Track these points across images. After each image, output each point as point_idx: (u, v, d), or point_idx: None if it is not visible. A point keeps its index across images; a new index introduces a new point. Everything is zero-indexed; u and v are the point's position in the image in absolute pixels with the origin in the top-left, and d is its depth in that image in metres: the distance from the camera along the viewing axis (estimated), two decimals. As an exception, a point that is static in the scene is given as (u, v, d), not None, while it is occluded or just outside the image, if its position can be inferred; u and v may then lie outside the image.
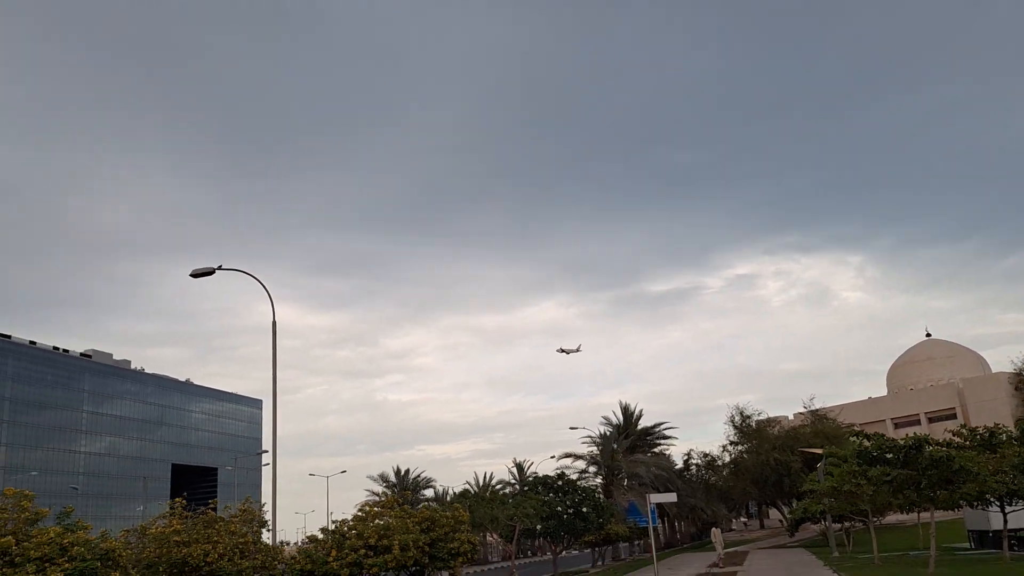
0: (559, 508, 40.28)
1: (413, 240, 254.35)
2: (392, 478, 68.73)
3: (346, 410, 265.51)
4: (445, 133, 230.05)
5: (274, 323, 24.64)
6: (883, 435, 23.05)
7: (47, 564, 11.31)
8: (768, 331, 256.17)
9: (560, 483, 42.32)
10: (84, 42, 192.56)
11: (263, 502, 17.84)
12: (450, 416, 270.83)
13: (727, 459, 70.53)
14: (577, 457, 60.17)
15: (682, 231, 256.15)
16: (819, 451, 38.64)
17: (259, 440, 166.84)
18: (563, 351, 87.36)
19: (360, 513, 23.75)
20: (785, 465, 59.72)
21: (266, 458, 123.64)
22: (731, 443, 70.05)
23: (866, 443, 22.79)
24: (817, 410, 70.99)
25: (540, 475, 43.00)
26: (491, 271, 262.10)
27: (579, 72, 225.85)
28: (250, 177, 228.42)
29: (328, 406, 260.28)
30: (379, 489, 67.65)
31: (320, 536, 23.04)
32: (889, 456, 22.03)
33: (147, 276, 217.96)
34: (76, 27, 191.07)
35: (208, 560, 15.00)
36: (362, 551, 21.50)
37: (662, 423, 65.50)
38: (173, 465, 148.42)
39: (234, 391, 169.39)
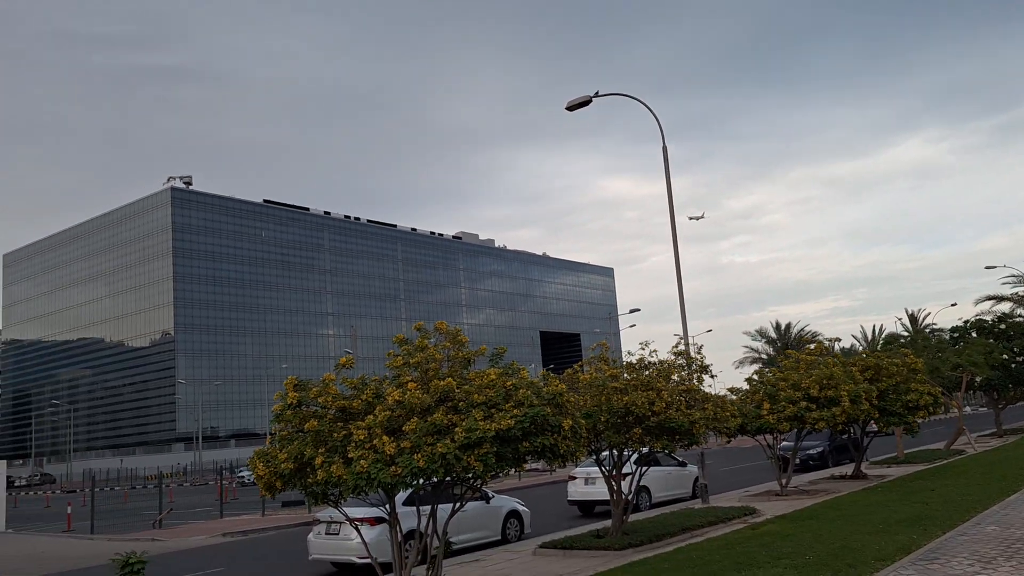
0: (1004, 356, 33.01)
1: (749, 92, 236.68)
2: (771, 333, 64.21)
3: (691, 275, 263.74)
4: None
5: (664, 148, 21.36)
6: None
7: (493, 410, 9.09)
8: None
9: (1002, 327, 34.54)
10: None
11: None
12: (803, 274, 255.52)
13: None
14: (1001, 299, 50.26)
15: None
16: None
17: (613, 306, 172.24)
18: (692, 218, 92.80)
19: (788, 362, 20.14)
20: None
21: (624, 322, 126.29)
22: None
23: None
24: None
25: (973, 319, 35.49)
26: (841, 113, 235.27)
27: None
28: (579, 54, 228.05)
29: (673, 273, 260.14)
30: (757, 345, 63.87)
31: (746, 387, 19.99)
32: None
33: (499, 163, 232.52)
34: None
35: (654, 409, 12.42)
36: (803, 403, 17.99)
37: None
38: (540, 332, 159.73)
39: (586, 262, 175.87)
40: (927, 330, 62.68)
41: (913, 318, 74.91)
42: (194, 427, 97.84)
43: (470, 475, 9.66)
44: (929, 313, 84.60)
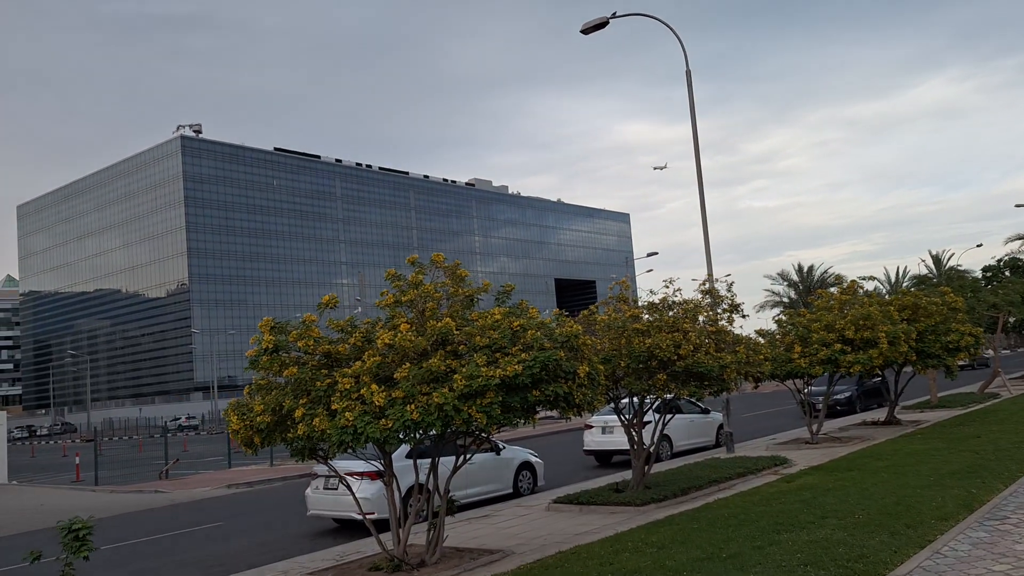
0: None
1: (770, 31, 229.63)
2: (793, 276, 62.55)
3: (709, 220, 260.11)
4: None
5: (688, 72, 19.72)
6: None
7: (497, 354, 7.85)
8: None
9: (1040, 266, 32.93)
10: None
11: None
12: (822, 219, 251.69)
13: None
14: (1035, 239, 48.26)
15: None
16: None
17: (629, 252, 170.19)
18: (656, 168, 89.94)
19: (821, 303, 18.85)
20: None
21: (641, 267, 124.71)
22: None
23: None
24: None
25: (1006, 258, 33.91)
26: (864, 51, 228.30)
27: None
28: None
29: (690, 218, 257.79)
30: (779, 289, 62.27)
31: (774, 328, 18.73)
32: None
33: (513, 109, 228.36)
34: None
35: (680, 353, 11.20)
36: (837, 346, 16.72)
37: None
38: (555, 280, 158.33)
39: (602, 208, 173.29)
40: (950, 272, 60.82)
41: (937, 259, 72.65)
42: (211, 376, 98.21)
43: (472, 428, 8.54)
44: (953, 254, 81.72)
